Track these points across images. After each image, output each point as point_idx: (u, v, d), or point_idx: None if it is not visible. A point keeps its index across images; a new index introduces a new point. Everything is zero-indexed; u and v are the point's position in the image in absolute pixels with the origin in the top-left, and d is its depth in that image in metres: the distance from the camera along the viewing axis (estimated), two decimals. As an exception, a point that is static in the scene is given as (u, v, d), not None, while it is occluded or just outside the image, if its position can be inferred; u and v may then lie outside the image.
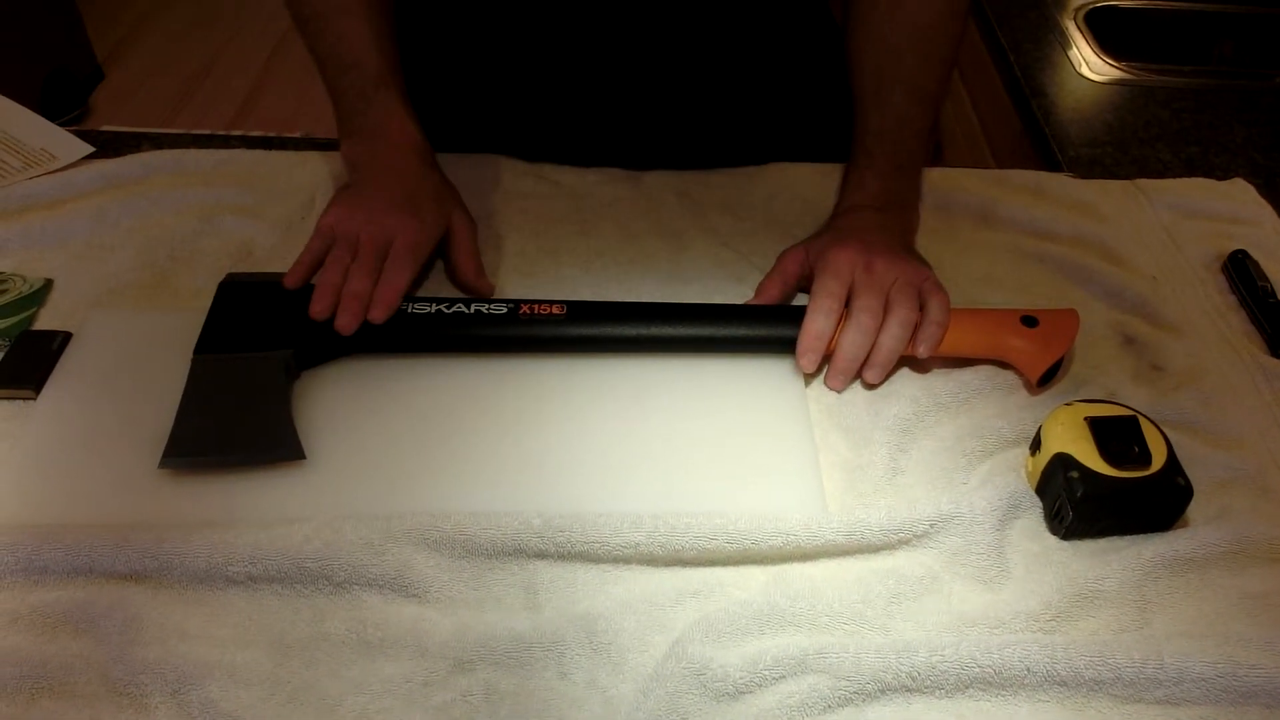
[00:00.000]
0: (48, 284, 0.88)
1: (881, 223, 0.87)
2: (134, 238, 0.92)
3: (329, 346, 0.81)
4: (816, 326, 0.79)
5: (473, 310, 0.81)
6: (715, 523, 0.69)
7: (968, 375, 0.82)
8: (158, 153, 1.01)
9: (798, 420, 0.78)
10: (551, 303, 0.82)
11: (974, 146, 1.52)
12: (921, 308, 0.81)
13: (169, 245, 0.92)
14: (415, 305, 0.81)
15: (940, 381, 0.81)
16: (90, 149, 1.02)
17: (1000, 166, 1.30)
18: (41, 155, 1.01)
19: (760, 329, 0.82)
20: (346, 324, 0.79)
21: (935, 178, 1.02)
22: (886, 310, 0.80)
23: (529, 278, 0.90)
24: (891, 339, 0.79)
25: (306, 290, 0.82)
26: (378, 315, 0.80)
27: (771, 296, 0.87)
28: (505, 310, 0.81)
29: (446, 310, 0.81)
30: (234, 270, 0.87)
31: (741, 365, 0.82)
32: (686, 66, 1.01)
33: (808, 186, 1.00)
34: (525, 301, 0.82)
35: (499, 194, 0.99)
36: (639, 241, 0.94)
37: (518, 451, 0.75)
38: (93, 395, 0.78)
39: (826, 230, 0.88)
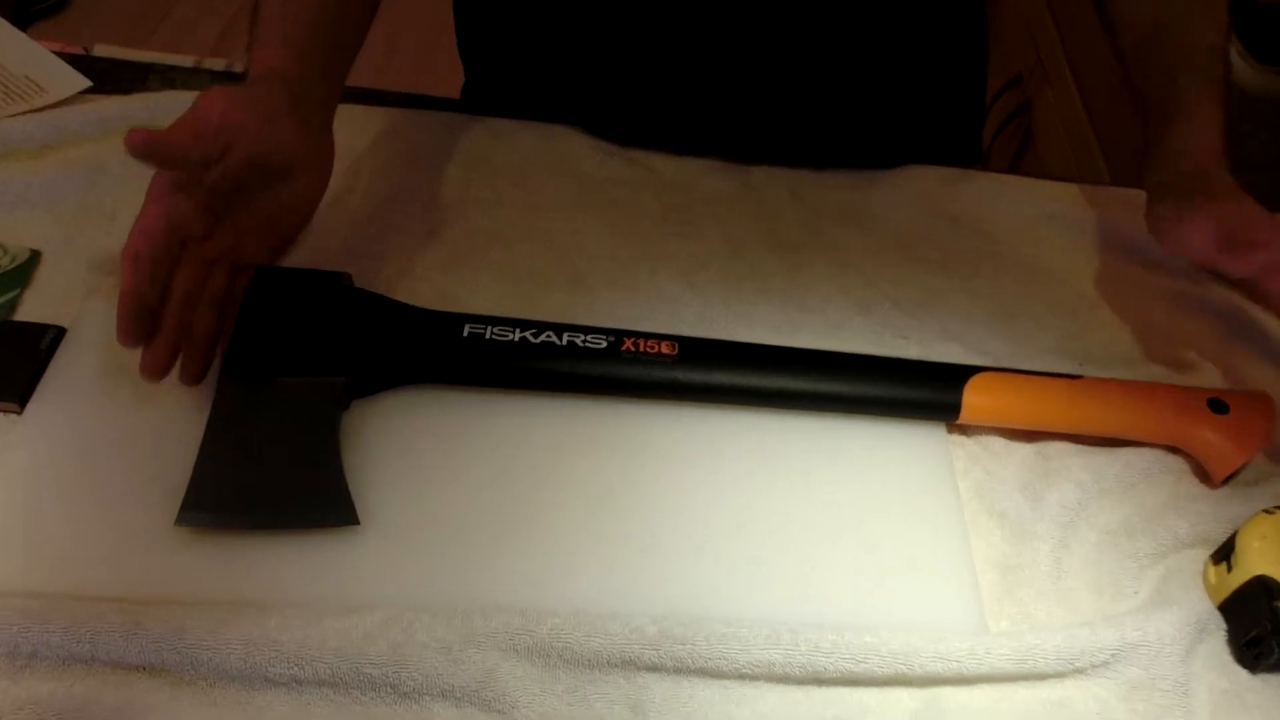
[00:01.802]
0: (34, 257, 0.73)
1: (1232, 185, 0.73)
2: (136, 200, 0.74)
3: (389, 372, 0.66)
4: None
5: (565, 341, 0.66)
6: (865, 642, 0.57)
7: (1132, 454, 0.69)
8: (168, 94, 0.85)
9: (947, 503, 0.66)
10: (661, 339, 0.67)
11: (1081, 148, 1.35)
12: None
13: None
14: (496, 330, 0.67)
15: (1105, 461, 0.69)
16: (86, 83, 0.85)
17: (1118, 180, 1.14)
18: (26, 86, 0.83)
19: (917, 391, 0.68)
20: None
21: (1059, 194, 0.89)
22: None
23: (625, 291, 0.75)
24: None
25: (360, 293, 0.68)
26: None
27: None
28: (605, 344, 0.67)
29: (533, 339, 0.66)
30: None
31: (878, 427, 0.69)
32: (808, 41, 0.85)
33: (941, 197, 0.87)
34: (629, 335, 0.67)
35: (579, 177, 0.84)
36: (748, 253, 0.80)
37: (618, 525, 0.62)
38: (92, 412, 0.64)
39: (1197, 197, 0.72)
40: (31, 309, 0.69)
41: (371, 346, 0.65)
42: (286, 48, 0.70)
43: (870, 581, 0.61)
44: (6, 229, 0.74)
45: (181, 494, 0.58)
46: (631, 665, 0.56)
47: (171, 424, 0.62)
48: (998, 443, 0.69)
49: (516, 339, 0.66)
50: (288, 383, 0.63)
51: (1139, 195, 0.76)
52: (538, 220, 0.79)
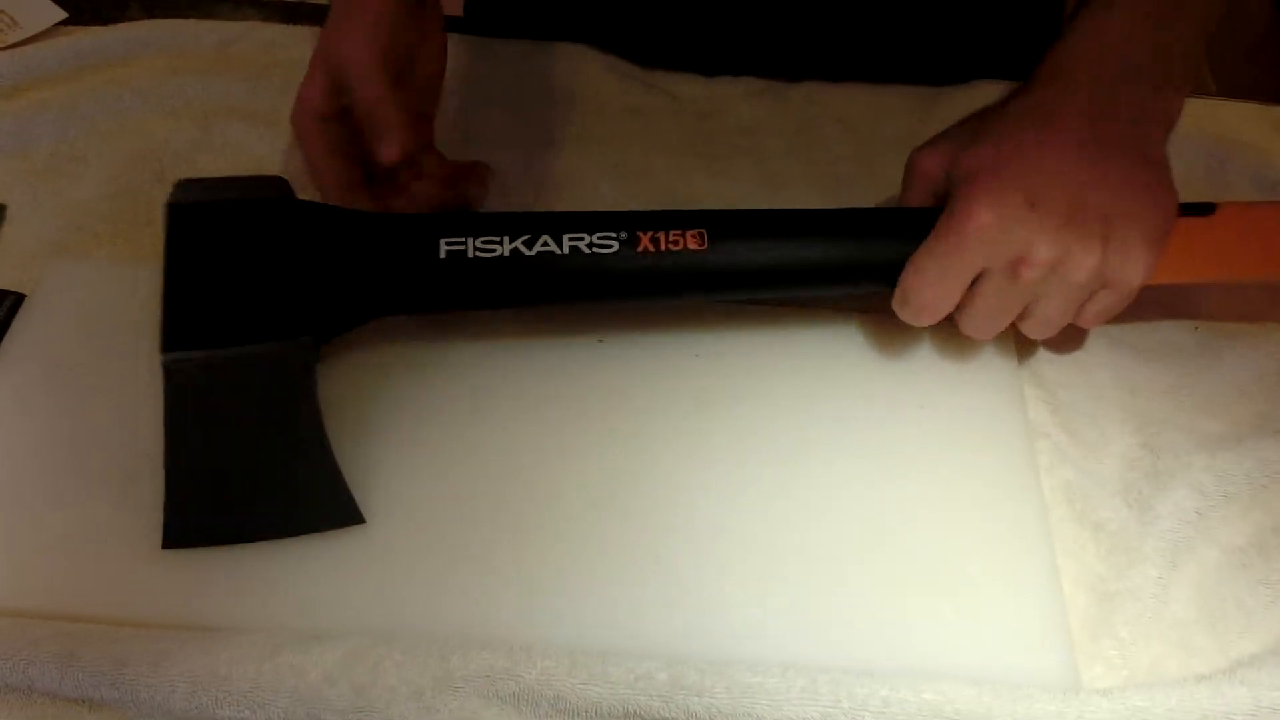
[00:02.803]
0: (0, 211, 0.61)
1: (1083, 101, 0.51)
2: (111, 148, 0.64)
3: (357, 312, 0.51)
4: (923, 294, 0.50)
5: (566, 248, 0.50)
6: (924, 700, 0.42)
7: (1271, 447, 0.53)
8: (147, 23, 0.71)
9: (1028, 511, 0.50)
10: (686, 226, 0.51)
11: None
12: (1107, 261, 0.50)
13: (156, 160, 0.64)
14: (480, 244, 0.50)
15: (1232, 458, 0.52)
16: (62, 14, 0.71)
17: (1226, 89, 0.94)
18: (3, 20, 0.71)
19: None
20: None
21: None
22: (1052, 264, 0.49)
23: None
24: (1042, 319, 0.52)
25: (305, 209, 0.51)
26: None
27: None
28: (616, 246, 0.50)
29: (526, 250, 0.50)
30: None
31: (940, 409, 0.54)
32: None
33: None
34: (645, 226, 0.51)
35: (589, 107, 0.68)
36: (788, 191, 0.63)
37: (626, 533, 0.49)
38: (51, 394, 0.52)
39: (987, 115, 0.53)
40: None
41: (335, 286, 0.49)
42: None
43: (929, 613, 0.47)
44: None
45: (154, 489, 0.47)
46: (636, 718, 0.43)
47: (146, 404, 0.48)
48: (1091, 432, 0.53)
49: (506, 252, 0.50)
50: (244, 353, 0.47)
51: (1254, 110, 0.60)
52: (537, 161, 0.64)
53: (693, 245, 0.50)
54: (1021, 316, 0.51)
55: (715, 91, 0.69)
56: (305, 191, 0.55)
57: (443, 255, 0.49)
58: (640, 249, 0.50)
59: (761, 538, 0.49)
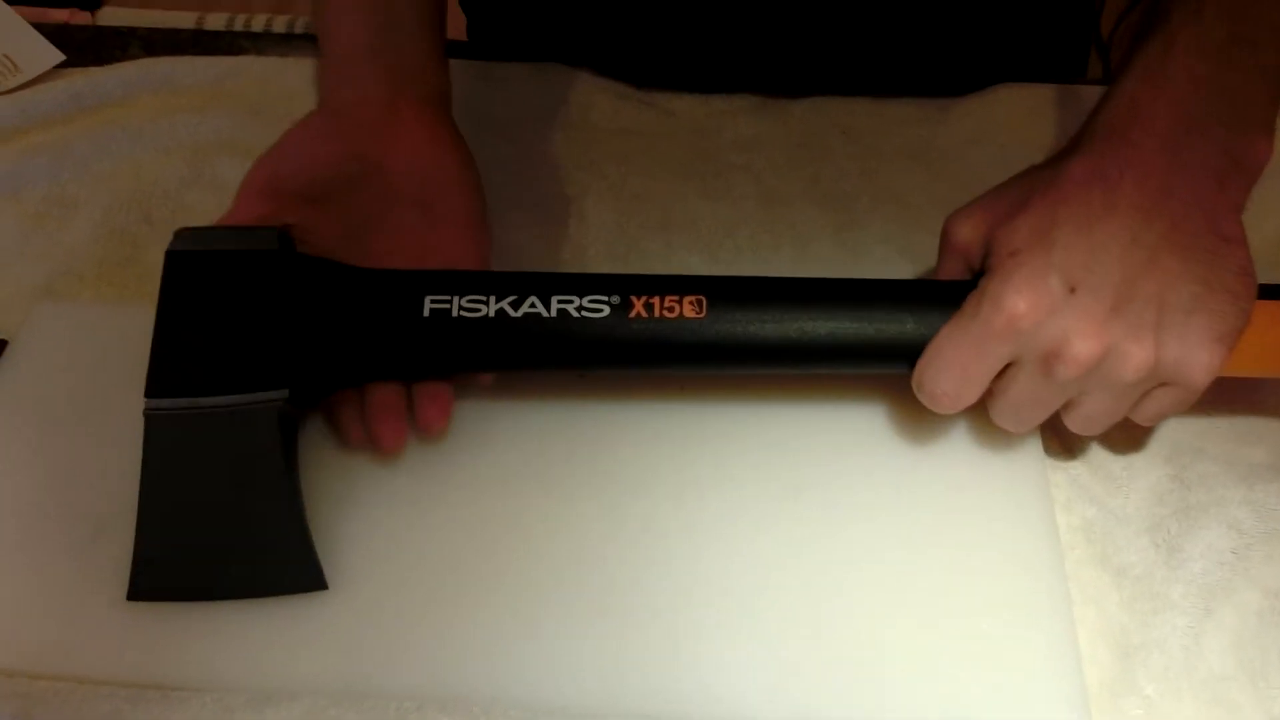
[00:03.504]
0: None
1: (1147, 163, 0.44)
2: (103, 189, 0.63)
3: (336, 375, 0.49)
4: (942, 382, 0.44)
5: (554, 311, 0.47)
6: None
7: None
8: (144, 62, 0.69)
9: (1042, 550, 0.45)
10: (682, 292, 0.47)
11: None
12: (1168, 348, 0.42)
13: (145, 201, 0.62)
14: (465, 302, 0.47)
15: (1274, 491, 0.46)
16: (60, 57, 0.70)
17: None
18: (3, 65, 0.70)
19: None
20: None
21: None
22: (1093, 362, 0.42)
23: (628, 265, 0.57)
24: (1085, 416, 0.45)
25: (295, 261, 0.49)
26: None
27: None
28: (607, 310, 0.47)
29: (513, 311, 0.47)
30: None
31: (951, 443, 0.49)
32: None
33: (1035, 125, 0.63)
34: (639, 290, 0.47)
35: (584, 128, 0.65)
36: (789, 210, 0.59)
37: (607, 591, 0.45)
38: (31, 442, 0.50)
39: (1033, 180, 0.46)
40: None
41: (313, 339, 0.47)
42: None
43: (930, 671, 0.42)
44: None
45: (125, 540, 0.45)
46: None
47: (123, 451, 0.46)
48: (1115, 464, 0.48)
49: (492, 313, 0.47)
50: (219, 404, 0.45)
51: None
52: (532, 184, 0.61)
53: (690, 313, 0.46)
54: (1064, 409, 0.45)
55: (713, 108, 0.65)
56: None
57: (426, 313, 0.47)
58: (633, 314, 0.46)
59: (744, 600, 0.45)
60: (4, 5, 0.76)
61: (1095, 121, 0.46)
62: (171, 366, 0.46)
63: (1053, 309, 0.41)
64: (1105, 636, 0.43)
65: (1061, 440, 0.49)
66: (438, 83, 0.56)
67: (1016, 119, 0.64)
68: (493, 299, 0.46)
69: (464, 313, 0.46)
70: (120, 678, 0.43)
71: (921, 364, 0.44)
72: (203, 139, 0.65)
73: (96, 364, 0.53)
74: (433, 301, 0.47)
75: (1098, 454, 0.49)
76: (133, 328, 0.48)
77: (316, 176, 0.51)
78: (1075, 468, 0.48)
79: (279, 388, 0.45)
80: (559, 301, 0.46)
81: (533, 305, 0.46)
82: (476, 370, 0.50)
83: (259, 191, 0.50)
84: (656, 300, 0.46)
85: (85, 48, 0.72)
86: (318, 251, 0.49)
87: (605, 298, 0.46)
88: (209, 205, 0.61)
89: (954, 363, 0.43)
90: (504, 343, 0.47)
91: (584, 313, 0.46)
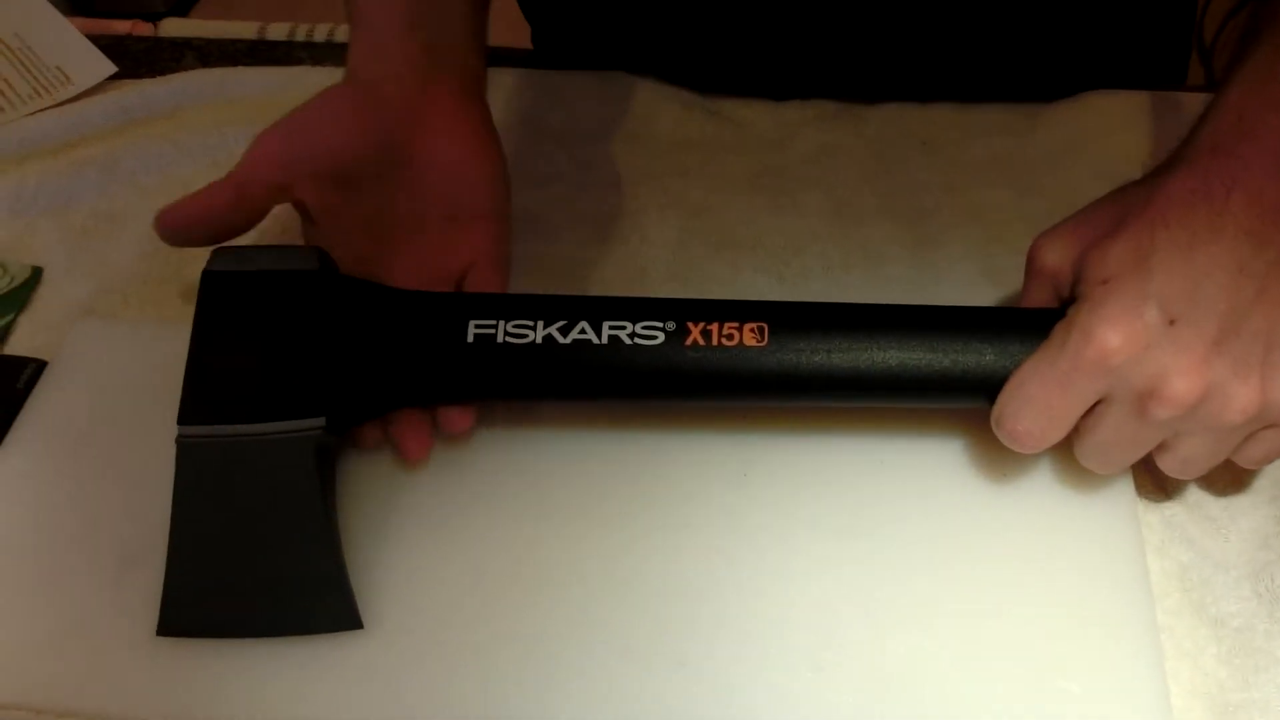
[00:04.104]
0: (35, 274, 0.61)
1: (1256, 182, 0.41)
2: (150, 205, 0.61)
3: (374, 401, 0.49)
4: (1024, 420, 0.42)
5: (605, 338, 0.46)
6: None
7: None
8: (197, 73, 0.71)
9: (1132, 598, 0.43)
10: (742, 319, 0.46)
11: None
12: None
13: None
14: (511, 328, 0.47)
15: None
16: (112, 69, 0.72)
17: None
18: (55, 78, 0.72)
19: None
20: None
21: None
22: (1192, 402, 0.40)
23: (690, 285, 0.56)
24: (1183, 459, 0.43)
25: (333, 284, 0.49)
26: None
27: None
28: (662, 337, 0.46)
29: (561, 337, 0.46)
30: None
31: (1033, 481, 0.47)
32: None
33: (1131, 134, 0.62)
34: (696, 317, 0.46)
35: (647, 140, 0.64)
36: (862, 227, 0.58)
37: (676, 632, 0.44)
38: (62, 463, 0.51)
39: (1129, 199, 0.44)
40: (23, 338, 0.58)
41: (352, 364, 0.47)
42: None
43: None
44: (17, 239, 0.62)
45: (156, 573, 0.44)
46: None
47: (157, 479, 0.46)
48: (1215, 504, 0.46)
49: (539, 339, 0.46)
50: (254, 432, 0.45)
51: None
52: (592, 199, 0.61)
53: (750, 341, 0.45)
54: (1159, 450, 0.43)
55: (784, 117, 0.65)
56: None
57: (470, 339, 0.46)
58: (689, 342, 0.45)
59: (803, 649, 0.43)
60: (59, 16, 0.78)
61: (1198, 135, 0.44)
62: (205, 392, 0.45)
63: (1149, 343, 0.39)
64: (1201, 695, 0.41)
65: (1155, 478, 0.47)
66: (475, 66, 0.54)
67: (1110, 128, 0.62)
68: (540, 324, 0.46)
69: (510, 338, 0.46)
70: (146, 716, 0.43)
71: (1002, 399, 0.43)
72: None
73: (135, 386, 0.53)
74: (477, 326, 0.46)
75: (1195, 493, 0.47)
76: (173, 349, 0.48)
77: (340, 157, 0.49)
78: (1170, 508, 0.46)
79: (316, 415, 0.45)
80: (610, 328, 0.46)
81: (582, 331, 0.46)
82: (523, 399, 0.49)
83: (274, 160, 0.49)
84: (715, 327, 0.45)
85: (140, 59, 0.74)
86: (331, 236, 0.49)
87: (660, 324, 0.45)
88: None
89: (1038, 399, 0.41)
90: (552, 371, 0.46)
91: (637, 340, 0.45)
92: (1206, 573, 0.44)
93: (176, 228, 0.48)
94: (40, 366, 0.55)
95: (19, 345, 0.58)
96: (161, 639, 0.44)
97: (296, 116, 0.49)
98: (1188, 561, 0.45)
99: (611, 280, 0.57)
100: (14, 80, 0.72)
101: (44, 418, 0.53)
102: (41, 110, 0.70)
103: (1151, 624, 0.42)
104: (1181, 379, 0.39)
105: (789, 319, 0.45)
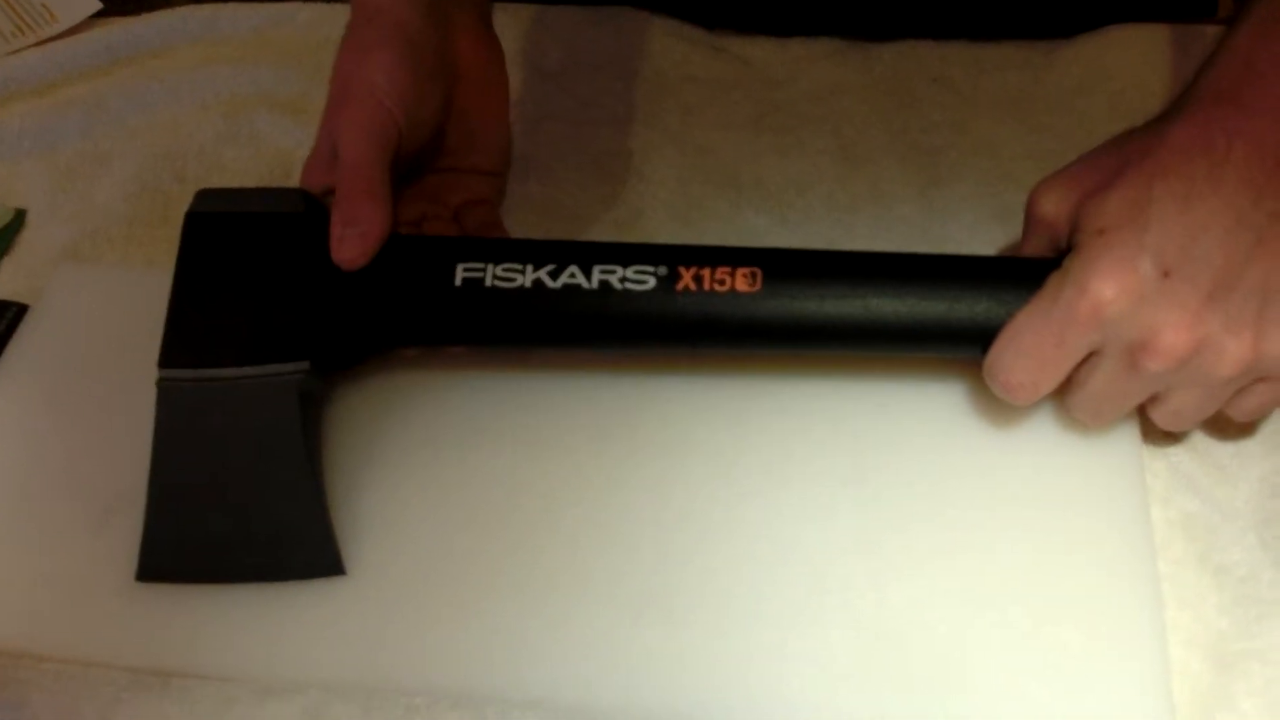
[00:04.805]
0: (18, 217, 0.62)
1: (1260, 132, 0.42)
2: (136, 145, 0.65)
3: (360, 344, 0.50)
4: (1016, 371, 0.43)
5: (595, 282, 0.47)
6: None
7: None
8: (183, 10, 0.72)
9: (1134, 547, 0.44)
10: (735, 263, 0.46)
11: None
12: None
13: (179, 158, 0.64)
14: (500, 271, 0.48)
15: None
16: (96, 5, 0.73)
17: None
18: (40, 14, 0.73)
19: None
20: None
21: None
22: (1184, 355, 0.41)
23: (693, 230, 0.57)
24: (1174, 411, 0.44)
25: (317, 223, 0.49)
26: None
27: None
28: (653, 282, 0.47)
29: (551, 281, 0.47)
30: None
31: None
32: None
33: (1153, 70, 0.61)
34: (687, 261, 0.47)
35: (647, 77, 0.65)
36: (869, 167, 0.59)
37: (664, 583, 0.45)
38: (45, 413, 0.52)
39: (1128, 147, 0.44)
40: (7, 280, 0.59)
41: (336, 307, 0.47)
42: None
43: (1000, 678, 0.42)
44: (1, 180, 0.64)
45: (137, 518, 0.46)
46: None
47: (139, 424, 0.47)
48: (1224, 451, 0.46)
49: (528, 283, 0.47)
50: (236, 375, 0.46)
51: None
52: (589, 138, 0.61)
53: (743, 287, 0.46)
54: (1150, 402, 0.44)
55: (790, 54, 0.65)
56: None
57: (458, 282, 0.47)
58: (680, 287, 0.46)
59: (797, 596, 0.45)
60: (43, -50, 0.80)
61: (1203, 81, 0.44)
62: (187, 335, 0.47)
63: (1142, 296, 0.40)
64: (1201, 645, 0.42)
65: None
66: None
67: (1131, 64, 0.62)
68: (529, 268, 0.46)
69: (498, 282, 0.46)
70: (126, 662, 0.44)
71: (995, 350, 0.43)
72: (241, 92, 0.67)
73: (118, 331, 0.54)
74: (465, 269, 0.47)
75: (1204, 440, 0.47)
76: (157, 293, 0.49)
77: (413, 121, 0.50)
78: (1177, 454, 0.47)
79: (299, 359, 0.46)
80: (601, 272, 0.46)
81: (572, 275, 0.46)
82: (510, 345, 0.50)
83: (372, 153, 0.48)
84: (707, 272, 0.46)
85: None
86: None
87: (651, 268, 0.46)
88: (245, 162, 0.63)
89: (1030, 350, 0.42)
90: (540, 315, 0.47)
91: (628, 284, 0.46)
92: (1213, 522, 0.45)
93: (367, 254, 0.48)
94: (22, 310, 0.57)
95: (1, 289, 0.59)
96: (142, 584, 0.46)
97: (360, 89, 0.49)
98: (1193, 511, 0.45)
99: (609, 221, 0.58)
100: (-2, 19, 0.74)
101: (24, 362, 0.54)
102: (25, 48, 0.71)
103: (1152, 572, 0.43)
104: (1173, 332, 0.40)
105: (783, 265, 0.46)
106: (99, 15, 0.73)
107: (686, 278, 0.46)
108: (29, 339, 0.55)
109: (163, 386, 0.46)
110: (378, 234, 0.46)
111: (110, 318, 0.56)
